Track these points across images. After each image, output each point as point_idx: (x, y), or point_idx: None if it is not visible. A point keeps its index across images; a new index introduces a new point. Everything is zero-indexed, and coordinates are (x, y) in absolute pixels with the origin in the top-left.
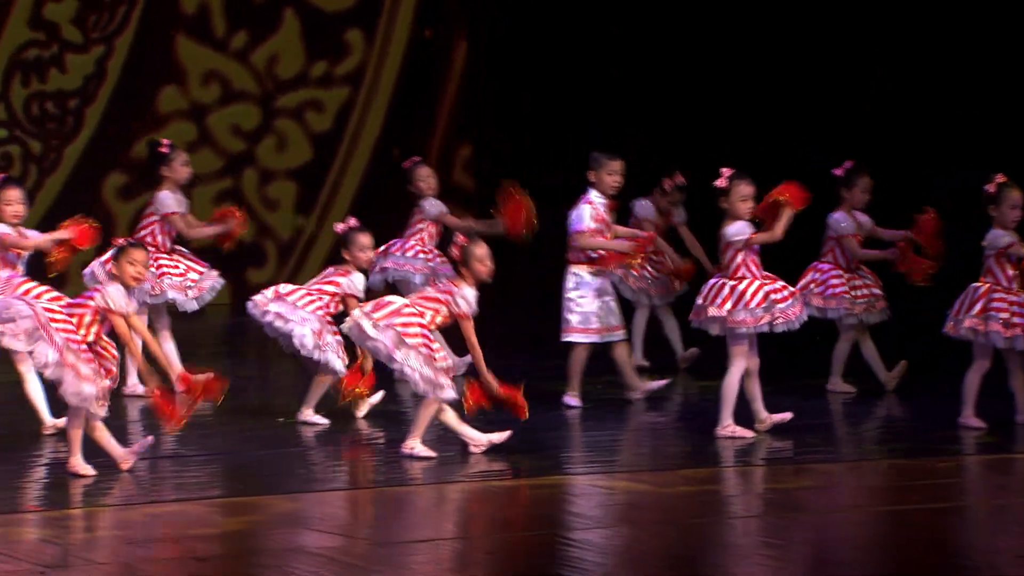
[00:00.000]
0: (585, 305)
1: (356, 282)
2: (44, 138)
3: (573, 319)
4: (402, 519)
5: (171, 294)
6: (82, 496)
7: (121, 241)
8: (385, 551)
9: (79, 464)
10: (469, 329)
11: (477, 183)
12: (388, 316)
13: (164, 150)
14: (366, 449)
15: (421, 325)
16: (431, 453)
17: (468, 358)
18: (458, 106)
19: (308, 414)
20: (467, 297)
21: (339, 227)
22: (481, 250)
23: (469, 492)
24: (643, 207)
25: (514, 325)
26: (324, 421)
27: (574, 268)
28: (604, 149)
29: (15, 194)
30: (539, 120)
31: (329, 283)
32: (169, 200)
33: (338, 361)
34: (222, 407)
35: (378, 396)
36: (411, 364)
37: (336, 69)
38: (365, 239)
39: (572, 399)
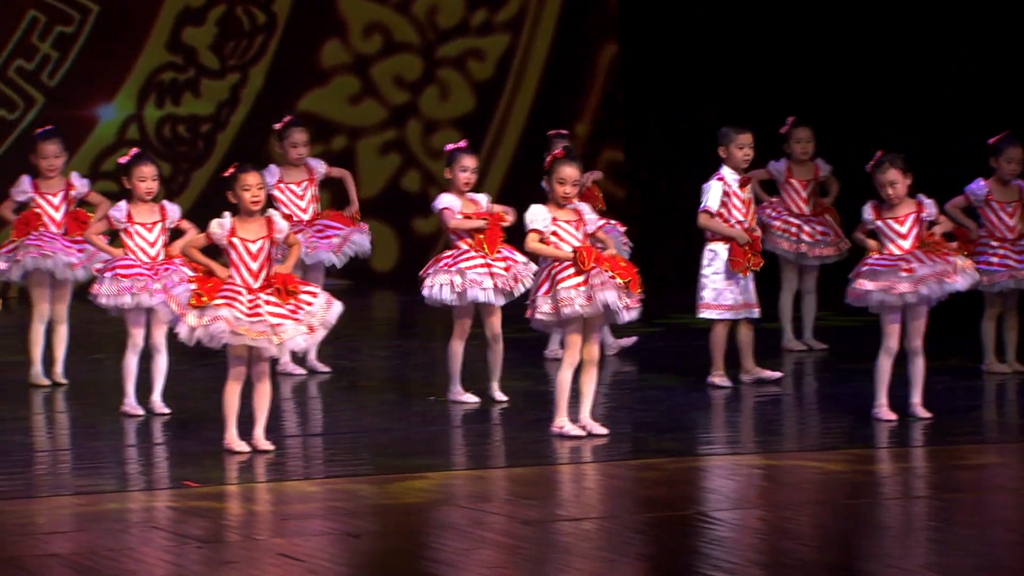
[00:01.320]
0: (718, 281)
1: None
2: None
3: (707, 295)
4: (549, 497)
5: (322, 255)
6: (237, 472)
7: (232, 169)
8: (535, 529)
9: (234, 441)
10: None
11: (629, 123)
12: None
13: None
14: (515, 427)
15: None
16: (578, 432)
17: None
18: (617, 44)
19: (494, 388)
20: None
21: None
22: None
23: (614, 471)
24: (778, 169)
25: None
26: (474, 399)
27: (710, 244)
28: (733, 123)
29: (148, 170)
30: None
31: None
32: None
33: None
34: (376, 383)
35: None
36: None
37: (496, 16)
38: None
39: (718, 379)
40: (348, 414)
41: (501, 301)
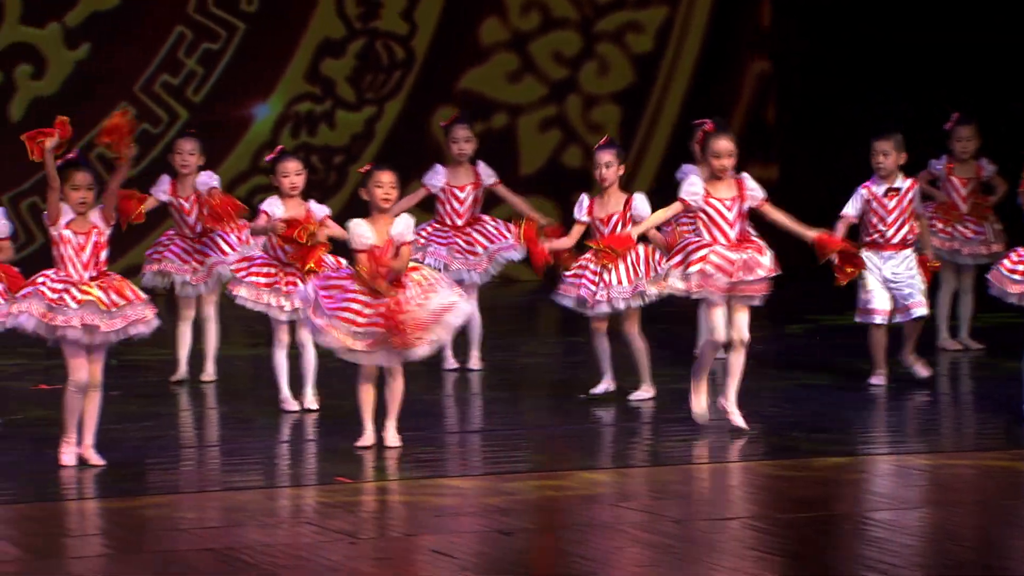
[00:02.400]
0: (872, 284)
1: None
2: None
3: (863, 298)
4: (699, 496)
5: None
6: (384, 468)
7: (368, 167)
8: (686, 528)
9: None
10: None
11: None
12: None
13: None
14: (665, 424)
15: None
16: (743, 424)
17: None
18: (772, 14)
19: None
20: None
21: None
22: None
23: (764, 471)
24: (939, 167)
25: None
26: (648, 394)
27: (864, 249)
28: (877, 131)
29: (293, 166)
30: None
31: None
32: None
33: None
34: (521, 382)
35: None
36: None
37: None
38: None
39: (876, 379)
40: (503, 411)
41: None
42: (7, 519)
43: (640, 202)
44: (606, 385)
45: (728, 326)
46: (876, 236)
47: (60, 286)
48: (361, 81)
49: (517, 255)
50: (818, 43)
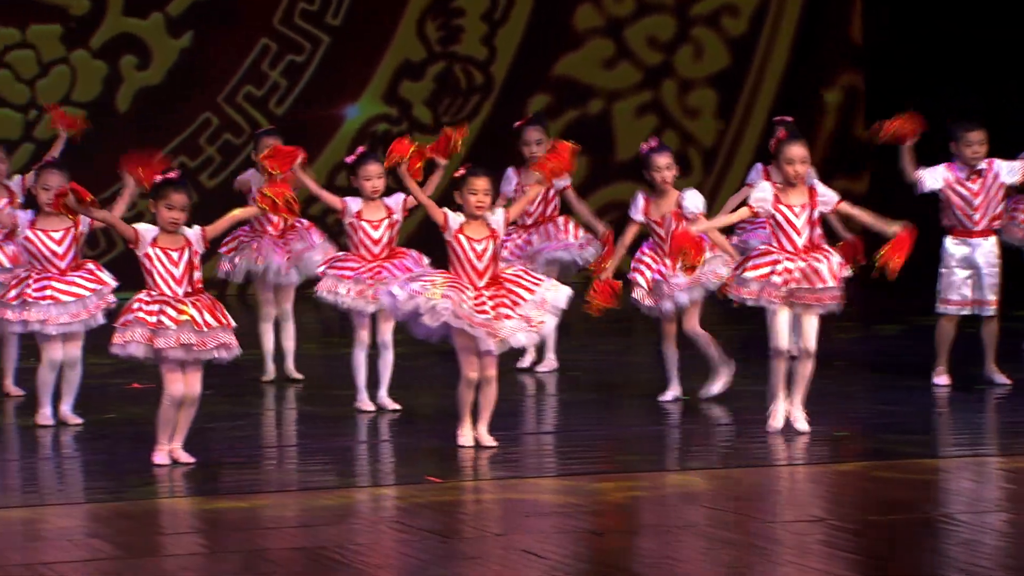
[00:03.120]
0: (948, 275)
1: None
2: None
3: (940, 288)
4: (784, 497)
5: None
6: (475, 468)
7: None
8: (773, 529)
9: (476, 436)
10: None
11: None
12: None
13: None
14: (745, 426)
15: None
16: (806, 427)
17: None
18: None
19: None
20: None
21: None
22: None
23: (857, 472)
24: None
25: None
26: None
27: (951, 236)
28: (962, 119)
29: (374, 168)
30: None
31: None
32: None
33: None
34: (608, 382)
35: None
36: None
37: None
38: None
39: (937, 377)
40: (584, 411)
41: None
42: (102, 517)
43: (690, 198)
44: (674, 392)
45: (796, 334)
46: (963, 221)
47: (156, 307)
48: (438, 104)
49: (567, 255)
50: (895, 38)
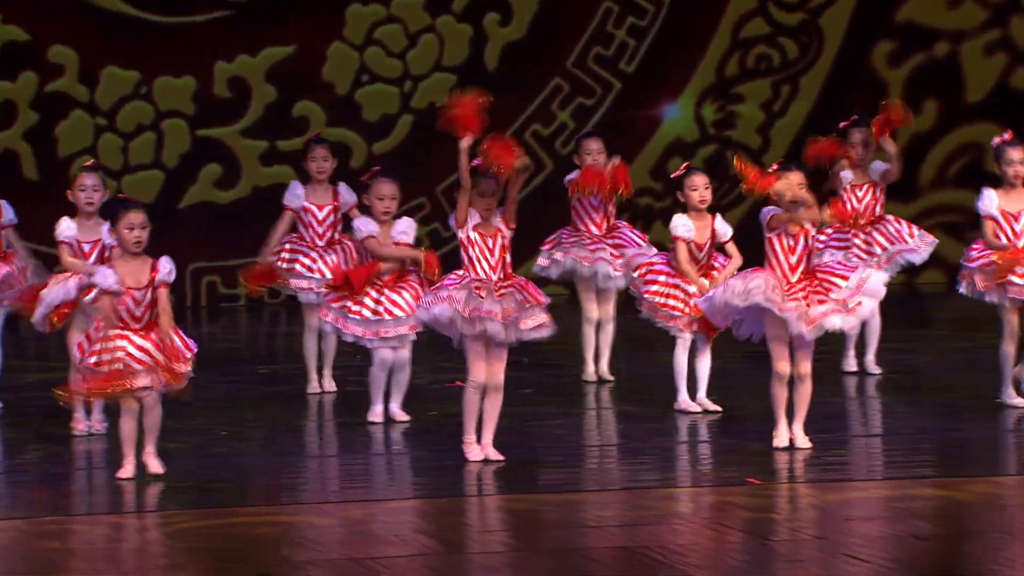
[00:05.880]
0: None
1: None
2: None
3: None
4: None
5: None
6: (792, 470)
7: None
8: None
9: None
10: None
11: None
12: None
13: None
14: None
15: None
16: None
17: None
18: None
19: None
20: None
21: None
22: None
23: None
24: None
25: None
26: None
27: None
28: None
29: (700, 180)
30: None
31: None
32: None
33: None
34: (918, 386)
35: None
36: None
37: None
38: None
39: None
40: (905, 415)
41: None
42: (425, 513)
43: None
44: (1010, 396)
45: None
46: None
47: (464, 292)
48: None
49: (919, 258)
50: None
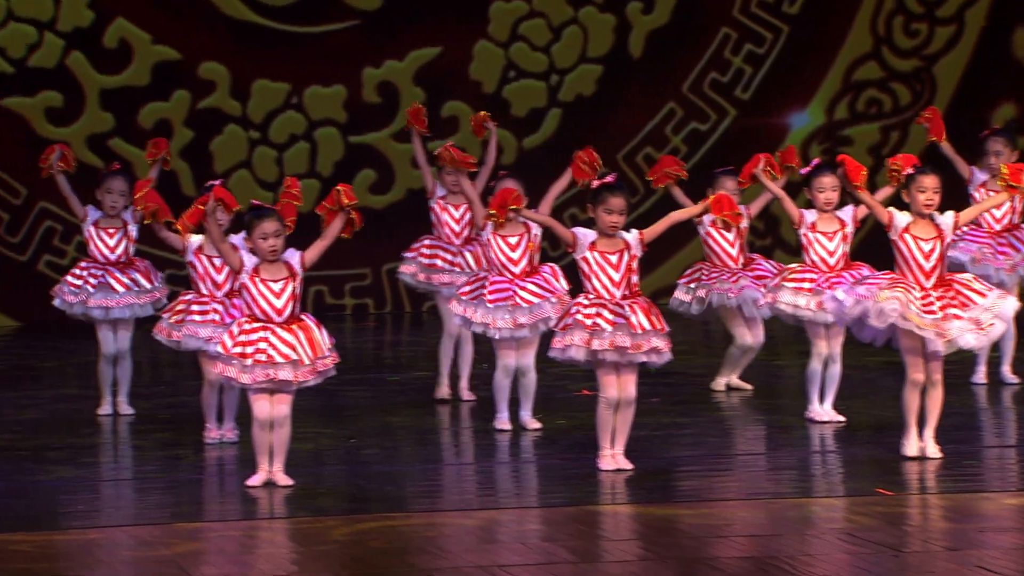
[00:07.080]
0: None
1: None
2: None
3: None
4: None
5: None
6: (924, 481)
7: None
8: None
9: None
10: None
11: None
12: None
13: None
14: None
15: None
16: None
17: None
18: None
19: None
20: None
21: None
22: None
23: None
24: None
25: None
26: None
27: None
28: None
29: (829, 181)
30: None
31: None
32: None
33: None
34: None
35: None
36: None
37: None
38: None
39: None
40: None
41: None
42: (556, 521)
43: None
44: None
45: None
46: None
47: (593, 310)
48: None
49: None
50: None
